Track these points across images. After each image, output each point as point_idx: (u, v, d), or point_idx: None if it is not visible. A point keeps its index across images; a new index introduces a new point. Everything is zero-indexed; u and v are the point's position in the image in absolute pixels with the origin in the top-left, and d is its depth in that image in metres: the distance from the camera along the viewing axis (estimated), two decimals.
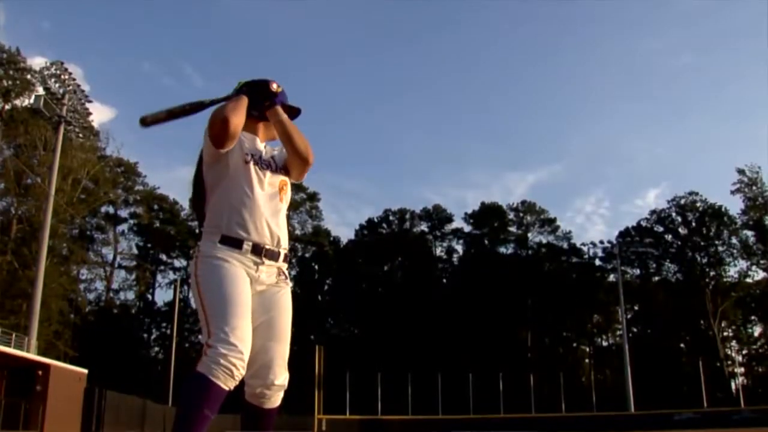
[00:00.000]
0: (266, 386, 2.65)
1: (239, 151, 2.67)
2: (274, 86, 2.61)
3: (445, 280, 65.40)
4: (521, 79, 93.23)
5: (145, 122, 2.63)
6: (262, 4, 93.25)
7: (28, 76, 44.83)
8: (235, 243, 2.59)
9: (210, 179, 2.71)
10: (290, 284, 2.81)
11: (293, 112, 2.87)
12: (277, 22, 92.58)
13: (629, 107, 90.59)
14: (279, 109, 2.65)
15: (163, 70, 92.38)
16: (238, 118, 2.56)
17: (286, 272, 2.78)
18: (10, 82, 45.10)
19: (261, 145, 2.79)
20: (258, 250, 2.61)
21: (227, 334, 2.39)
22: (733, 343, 60.86)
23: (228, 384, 2.39)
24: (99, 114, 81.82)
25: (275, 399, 2.72)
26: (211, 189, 2.70)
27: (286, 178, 2.79)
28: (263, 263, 2.63)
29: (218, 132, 2.54)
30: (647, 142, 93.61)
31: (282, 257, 2.70)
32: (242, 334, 2.42)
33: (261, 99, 2.64)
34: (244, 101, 2.63)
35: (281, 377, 2.66)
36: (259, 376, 2.62)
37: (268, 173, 2.69)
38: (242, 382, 2.57)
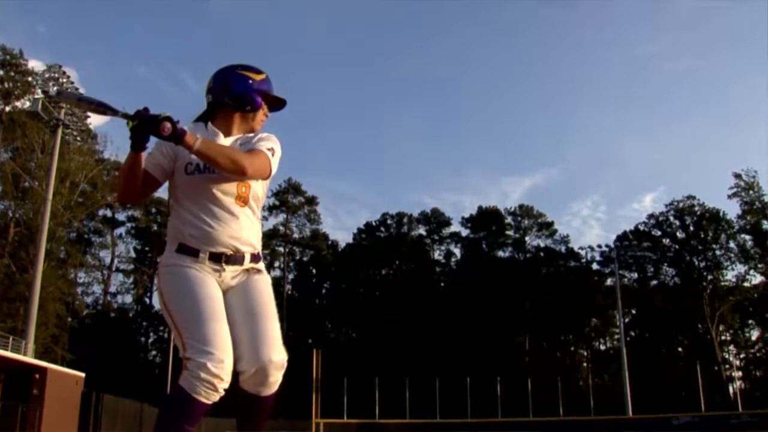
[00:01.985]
0: (262, 364, 2.46)
1: (183, 160, 2.55)
2: (167, 127, 2.25)
3: (443, 284, 65.38)
4: (518, 84, 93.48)
5: (60, 96, 2.54)
6: (259, 9, 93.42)
7: (29, 79, 44.79)
8: (192, 252, 2.54)
9: (170, 191, 2.67)
10: (264, 274, 2.68)
11: (278, 103, 2.79)
12: (274, 26, 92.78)
13: (626, 111, 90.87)
14: (187, 141, 2.30)
15: (158, 75, 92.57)
16: (125, 188, 2.47)
17: (258, 266, 2.66)
18: (10, 84, 45.03)
19: (224, 141, 2.63)
20: (217, 258, 2.54)
21: (201, 343, 2.32)
22: (731, 346, 60.86)
23: (210, 398, 2.32)
24: (94, 117, 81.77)
25: (272, 382, 2.53)
26: (172, 200, 2.66)
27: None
28: (224, 270, 2.56)
29: (118, 199, 2.56)
30: (644, 147, 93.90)
31: (248, 259, 2.61)
32: (217, 339, 2.34)
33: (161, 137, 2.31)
34: (130, 161, 2.39)
35: (276, 353, 2.48)
36: (252, 358, 2.45)
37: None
38: (236, 375, 2.47)
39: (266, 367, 2.47)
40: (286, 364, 2.54)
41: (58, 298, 43.43)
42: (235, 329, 2.46)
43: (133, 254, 62.77)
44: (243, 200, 2.59)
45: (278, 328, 2.56)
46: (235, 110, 2.69)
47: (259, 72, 2.73)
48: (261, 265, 2.69)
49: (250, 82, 2.68)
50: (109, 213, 60.67)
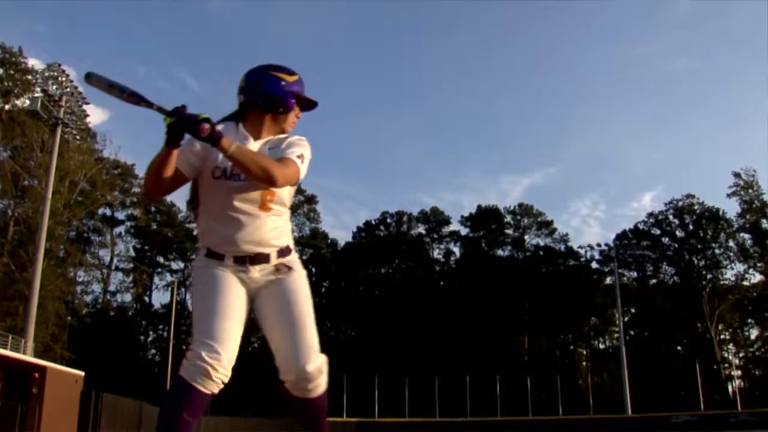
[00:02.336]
0: (299, 375, 2.54)
1: (211, 163, 2.55)
2: (206, 128, 2.26)
3: (442, 283, 65.38)
4: (518, 83, 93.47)
5: (89, 79, 2.44)
6: (258, 9, 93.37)
7: (29, 77, 44.70)
8: (218, 256, 2.58)
9: (194, 191, 2.68)
10: (298, 269, 2.70)
11: (309, 104, 2.77)
12: (273, 26, 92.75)
13: (625, 111, 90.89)
14: (223, 145, 2.31)
15: (158, 74, 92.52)
16: (155, 182, 2.44)
17: (290, 261, 2.68)
18: (10, 83, 44.96)
19: (253, 145, 2.62)
20: (240, 261, 2.58)
21: (203, 336, 2.40)
22: (730, 345, 60.96)
23: (207, 386, 2.36)
24: (92, 116, 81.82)
25: (314, 387, 2.59)
26: (200, 200, 2.65)
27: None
28: (249, 271, 2.59)
29: (147, 191, 2.54)
30: (642, 146, 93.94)
31: (274, 257, 2.62)
32: (219, 334, 2.40)
33: (197, 137, 2.32)
34: (163, 156, 2.37)
35: (311, 363, 2.54)
36: (289, 369, 2.54)
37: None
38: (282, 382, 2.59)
39: (304, 377, 2.54)
40: (325, 368, 2.61)
41: (58, 296, 43.41)
42: (273, 338, 2.58)
43: (132, 253, 62.84)
44: (267, 207, 2.60)
45: (314, 333, 2.62)
46: (266, 112, 2.66)
47: (291, 73, 2.69)
48: (293, 258, 2.70)
49: (283, 83, 2.65)
50: (108, 212, 60.71)
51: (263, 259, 2.59)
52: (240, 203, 2.54)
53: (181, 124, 2.27)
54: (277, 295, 2.61)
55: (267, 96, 2.62)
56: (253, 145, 2.62)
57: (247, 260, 2.57)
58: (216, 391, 2.40)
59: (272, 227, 2.60)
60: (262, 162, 2.42)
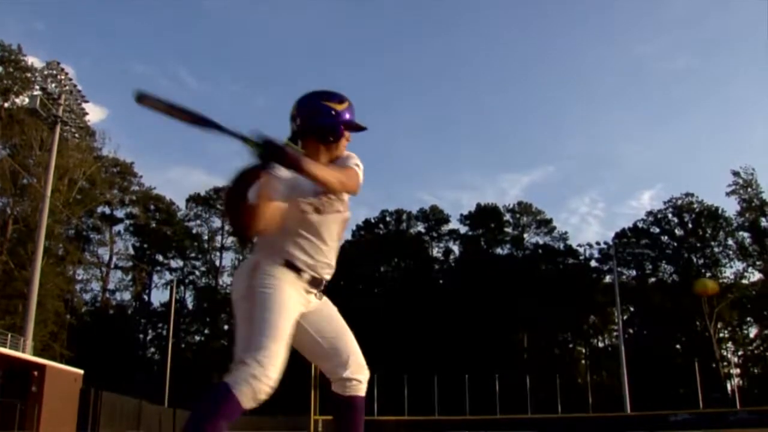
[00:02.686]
0: (365, 372, 2.81)
1: (301, 193, 2.62)
2: (292, 156, 2.27)
3: (441, 281, 65.41)
4: (516, 81, 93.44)
5: (141, 101, 2.29)
6: (257, 7, 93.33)
7: (28, 75, 44.68)
8: (297, 270, 2.63)
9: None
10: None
11: (358, 128, 2.82)
12: (272, 26, 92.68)
13: (623, 109, 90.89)
14: (304, 168, 2.33)
15: (157, 72, 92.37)
16: (260, 220, 2.45)
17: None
18: (9, 81, 44.94)
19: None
20: (316, 284, 2.70)
21: (265, 359, 2.39)
22: (729, 344, 61.00)
23: (247, 404, 2.38)
24: (90, 114, 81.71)
25: (366, 383, 2.83)
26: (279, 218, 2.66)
27: (343, 212, 2.75)
28: (313, 292, 2.72)
29: (255, 231, 2.52)
30: (641, 144, 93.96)
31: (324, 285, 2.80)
32: (278, 363, 2.43)
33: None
34: (253, 180, 2.38)
35: (363, 359, 2.83)
36: (358, 367, 2.78)
37: (328, 210, 2.66)
38: (327, 379, 2.80)
39: (365, 372, 2.82)
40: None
41: (57, 295, 43.45)
42: (334, 342, 2.77)
43: (131, 251, 62.80)
44: (341, 236, 2.80)
45: None
46: (318, 142, 2.73)
47: (342, 101, 2.77)
48: None
49: (333, 113, 2.73)
50: (107, 210, 60.71)
51: (324, 285, 2.77)
52: (327, 233, 2.69)
53: (271, 155, 2.26)
54: (329, 308, 2.83)
55: (319, 128, 2.71)
56: None
57: (319, 284, 2.72)
58: (249, 408, 2.43)
59: (336, 255, 2.79)
60: (338, 175, 2.54)
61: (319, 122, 2.70)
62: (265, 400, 2.45)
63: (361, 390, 2.81)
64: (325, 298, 2.83)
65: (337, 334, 2.79)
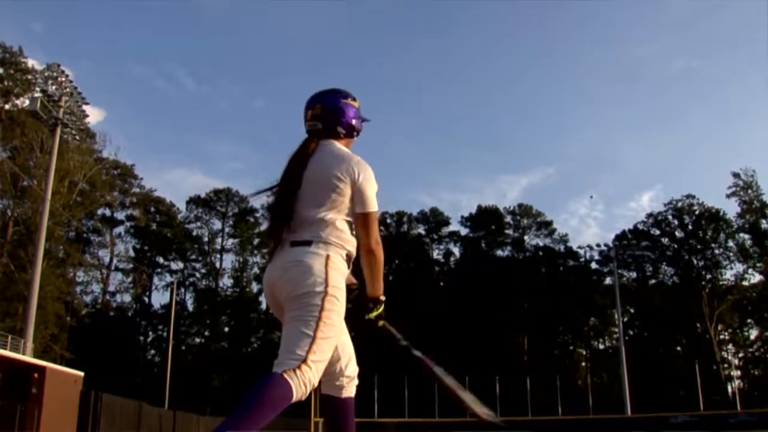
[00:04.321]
0: (352, 377, 2.88)
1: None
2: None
3: (442, 283, 65.39)
4: (515, 83, 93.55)
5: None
6: (255, 9, 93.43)
7: (28, 77, 44.70)
8: (350, 263, 2.74)
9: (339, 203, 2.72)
10: None
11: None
12: (270, 27, 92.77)
13: (622, 111, 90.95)
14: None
15: (155, 73, 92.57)
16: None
17: None
18: (10, 83, 44.96)
19: None
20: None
21: (319, 363, 2.44)
22: (730, 346, 60.96)
23: (292, 401, 2.41)
24: (92, 116, 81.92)
25: (353, 388, 2.91)
26: (348, 206, 2.71)
27: None
28: None
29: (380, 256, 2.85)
30: (640, 146, 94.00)
31: None
32: (323, 368, 2.50)
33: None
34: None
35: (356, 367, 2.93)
36: (354, 366, 2.87)
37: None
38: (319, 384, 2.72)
39: (353, 378, 2.89)
40: None
41: (57, 297, 43.43)
42: (342, 341, 2.80)
43: (131, 253, 62.80)
44: None
45: None
46: (343, 137, 2.83)
47: (354, 98, 2.91)
48: None
49: (356, 109, 2.87)
50: (107, 212, 60.73)
51: None
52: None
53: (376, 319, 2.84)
54: None
55: (350, 126, 2.83)
56: None
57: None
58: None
59: None
60: (380, 265, 2.91)
61: (348, 119, 2.82)
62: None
63: (353, 390, 2.87)
64: None
65: (343, 331, 2.82)
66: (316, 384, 2.44)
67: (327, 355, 2.47)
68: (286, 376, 2.34)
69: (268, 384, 2.34)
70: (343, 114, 2.81)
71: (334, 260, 2.58)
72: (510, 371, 47.75)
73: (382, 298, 2.80)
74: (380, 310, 2.56)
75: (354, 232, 2.69)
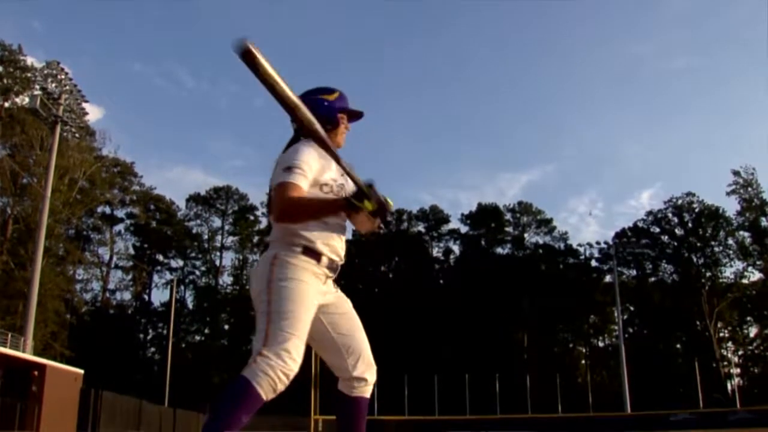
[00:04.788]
0: (373, 372, 2.83)
1: (322, 175, 2.74)
2: (390, 221, 2.62)
3: (441, 281, 65.41)
4: (514, 81, 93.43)
5: (245, 56, 2.33)
6: (254, 6, 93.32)
7: (28, 75, 44.67)
8: (316, 256, 2.67)
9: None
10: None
11: (356, 115, 2.97)
12: (270, 25, 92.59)
13: (622, 109, 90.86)
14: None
15: (154, 71, 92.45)
16: (305, 220, 2.67)
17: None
18: (9, 81, 44.93)
19: (335, 166, 2.81)
20: (332, 267, 2.75)
21: (284, 350, 2.43)
22: (729, 343, 60.98)
23: (268, 396, 2.42)
24: (92, 114, 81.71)
25: (371, 386, 2.85)
26: None
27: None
28: (331, 277, 2.78)
29: (285, 216, 2.65)
30: (640, 144, 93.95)
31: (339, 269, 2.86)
32: (297, 354, 2.46)
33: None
34: (332, 212, 2.69)
35: (374, 368, 2.85)
36: (367, 366, 2.80)
37: (341, 194, 2.74)
38: (336, 378, 2.82)
39: (373, 373, 2.83)
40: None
41: (57, 295, 43.44)
42: (348, 340, 2.78)
43: (131, 251, 62.83)
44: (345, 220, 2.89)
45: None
46: (329, 131, 2.81)
47: (331, 92, 2.92)
48: None
49: (326, 104, 2.87)
50: (107, 210, 60.75)
51: (338, 269, 2.83)
52: (342, 216, 2.77)
53: (379, 214, 2.62)
54: (346, 304, 2.85)
55: (321, 117, 2.75)
56: (335, 166, 2.82)
57: (335, 267, 2.78)
58: (269, 399, 2.47)
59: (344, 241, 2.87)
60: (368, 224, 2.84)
61: (316, 114, 2.75)
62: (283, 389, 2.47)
63: (367, 391, 2.83)
64: (341, 293, 2.86)
65: (351, 331, 2.80)
66: (289, 371, 2.43)
67: (289, 341, 2.45)
68: (245, 374, 2.41)
69: (232, 387, 2.40)
70: (311, 110, 2.74)
71: (281, 256, 2.64)
72: (510, 369, 47.81)
73: (350, 191, 2.63)
74: (368, 202, 2.45)
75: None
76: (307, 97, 2.82)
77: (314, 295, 2.64)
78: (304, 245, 2.65)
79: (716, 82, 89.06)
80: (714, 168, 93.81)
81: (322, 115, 2.77)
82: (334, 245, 2.74)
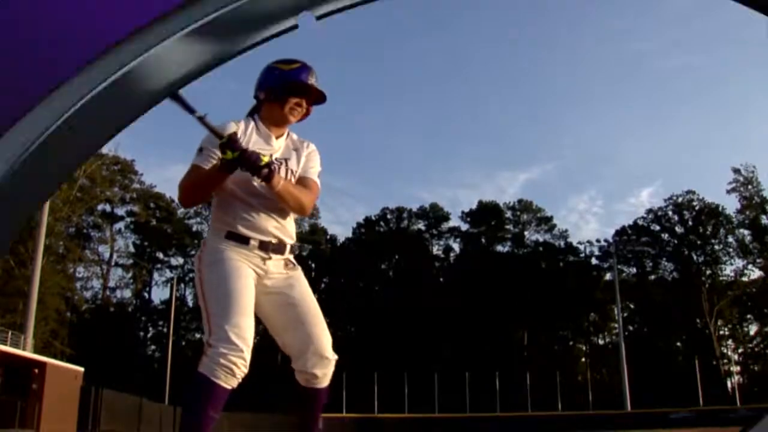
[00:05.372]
0: (325, 361, 2.66)
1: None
2: (264, 174, 2.45)
3: (441, 279, 65.42)
4: (514, 78, 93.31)
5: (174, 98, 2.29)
6: None
7: None
8: (242, 239, 2.61)
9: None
10: (299, 269, 2.80)
11: (318, 97, 2.81)
12: None
13: (621, 107, 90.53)
14: (273, 184, 2.50)
15: None
16: (199, 198, 2.68)
17: (294, 261, 2.79)
18: None
19: (276, 143, 2.76)
20: (265, 247, 2.64)
21: (228, 333, 2.40)
22: (729, 341, 60.97)
23: (230, 383, 2.40)
24: None
25: (329, 374, 2.71)
26: (219, 192, 2.70)
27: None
28: (270, 258, 2.65)
29: (185, 205, 2.68)
30: (640, 141, 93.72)
31: (288, 249, 2.72)
32: (243, 333, 2.42)
33: (251, 172, 2.47)
34: (214, 179, 2.56)
35: (331, 350, 2.68)
36: (318, 355, 2.64)
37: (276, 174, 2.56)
38: (293, 371, 2.69)
39: (328, 364, 2.67)
40: (334, 358, 2.74)
41: (57, 293, 43.48)
42: (296, 328, 2.64)
43: (132, 249, 62.81)
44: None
45: (324, 324, 2.73)
46: (270, 102, 2.76)
47: (290, 63, 2.77)
48: (293, 260, 2.84)
49: (277, 73, 2.75)
50: (108, 208, 60.71)
51: (282, 249, 2.68)
52: (269, 194, 2.63)
53: (243, 163, 2.41)
54: (295, 288, 2.70)
55: (267, 88, 2.75)
56: (276, 143, 2.76)
57: (270, 248, 2.64)
58: (235, 386, 2.44)
59: (289, 219, 2.74)
60: (300, 198, 2.63)
61: (264, 83, 2.76)
62: (246, 371, 2.44)
63: (319, 383, 2.71)
64: (297, 277, 2.73)
65: (300, 320, 2.65)
66: (240, 353, 2.39)
67: (230, 323, 2.42)
68: (200, 370, 2.40)
69: (193, 386, 2.41)
70: (259, 82, 2.78)
71: (208, 244, 2.66)
72: (510, 366, 47.82)
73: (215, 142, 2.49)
74: (230, 152, 2.37)
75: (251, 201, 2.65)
76: (266, 67, 2.80)
77: (246, 270, 2.57)
78: (227, 230, 2.62)
79: (717, 80, 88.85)
80: (714, 166, 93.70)
81: (270, 84, 2.73)
82: (261, 225, 2.63)
